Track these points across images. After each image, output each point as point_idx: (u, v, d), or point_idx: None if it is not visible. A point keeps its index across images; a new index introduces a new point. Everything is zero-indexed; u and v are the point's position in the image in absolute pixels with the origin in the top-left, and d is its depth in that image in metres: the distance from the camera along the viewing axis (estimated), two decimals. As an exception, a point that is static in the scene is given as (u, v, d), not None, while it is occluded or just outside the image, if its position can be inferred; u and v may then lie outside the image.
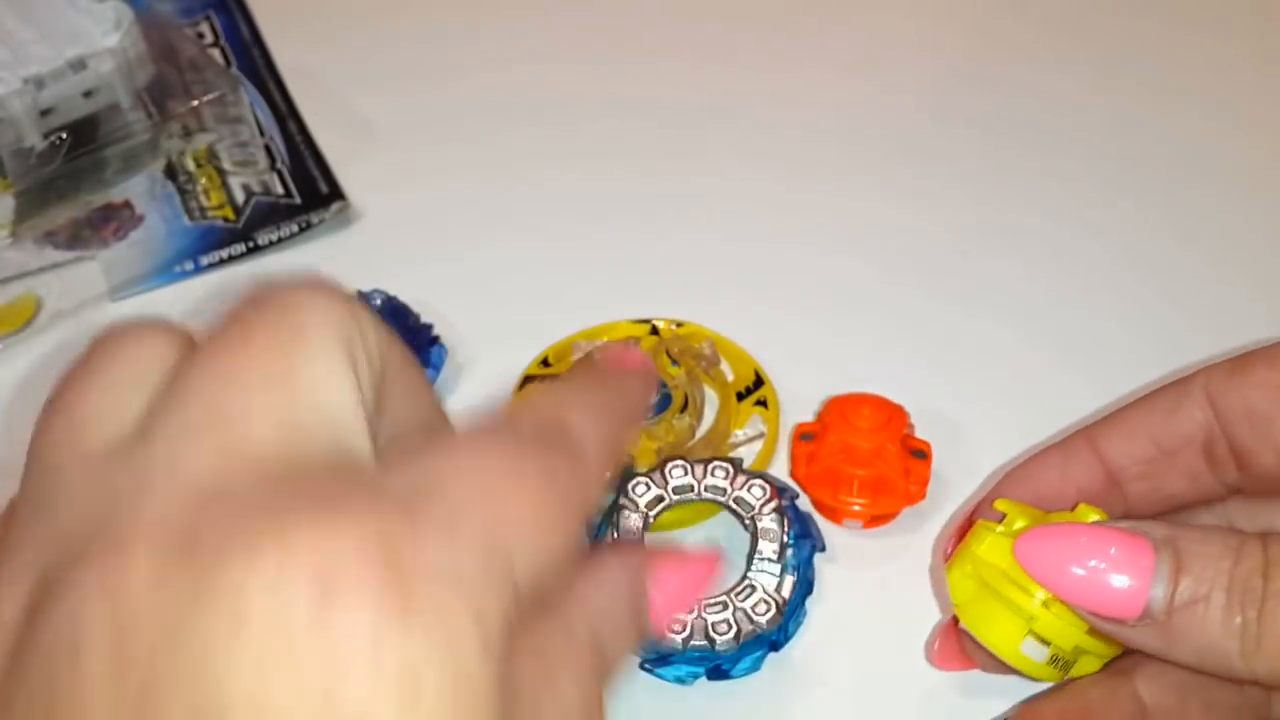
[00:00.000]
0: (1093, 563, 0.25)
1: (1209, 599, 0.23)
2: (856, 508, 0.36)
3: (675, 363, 0.41)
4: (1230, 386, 0.28)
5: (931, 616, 0.35)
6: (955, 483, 0.38)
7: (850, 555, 0.37)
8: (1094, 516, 0.27)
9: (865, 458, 0.36)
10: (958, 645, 0.32)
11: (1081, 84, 0.54)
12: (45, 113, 0.44)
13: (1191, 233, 0.47)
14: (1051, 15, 0.58)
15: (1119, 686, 0.28)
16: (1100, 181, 0.49)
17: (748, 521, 0.35)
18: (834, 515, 0.37)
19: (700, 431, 0.40)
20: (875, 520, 0.37)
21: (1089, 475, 0.30)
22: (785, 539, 0.34)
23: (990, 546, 0.28)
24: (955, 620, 0.31)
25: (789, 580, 0.34)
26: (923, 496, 0.37)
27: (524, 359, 0.42)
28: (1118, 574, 0.24)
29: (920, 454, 0.37)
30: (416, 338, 0.41)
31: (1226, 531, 0.24)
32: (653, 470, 0.36)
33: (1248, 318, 0.43)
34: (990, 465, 0.38)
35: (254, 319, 0.19)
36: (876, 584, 0.36)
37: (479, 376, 0.42)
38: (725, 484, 0.35)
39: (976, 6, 0.58)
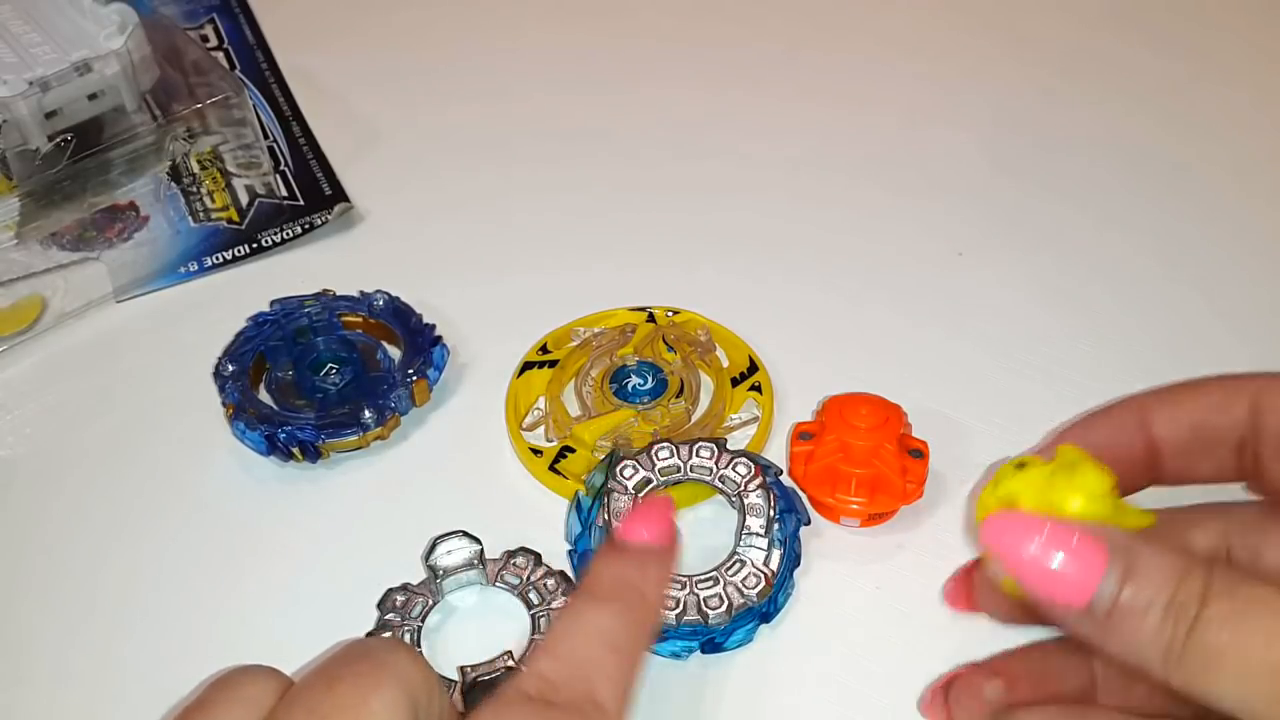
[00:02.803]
0: (1054, 552, 0.27)
1: (1147, 611, 0.26)
2: (854, 506, 0.37)
3: (671, 349, 0.42)
4: (1276, 403, 0.30)
5: (925, 607, 0.35)
6: (952, 482, 0.38)
7: (848, 552, 0.37)
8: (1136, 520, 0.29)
9: (863, 457, 0.37)
10: (968, 587, 0.33)
11: (1075, 99, 0.54)
12: (50, 115, 0.45)
13: (1180, 237, 0.47)
14: (1045, 33, 0.58)
15: (1079, 659, 0.31)
16: (1098, 185, 0.49)
17: (734, 498, 0.36)
18: (832, 513, 0.38)
19: (696, 415, 0.40)
20: (873, 519, 0.37)
21: (1133, 445, 0.32)
22: (772, 514, 0.35)
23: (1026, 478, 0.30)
24: (972, 566, 0.32)
25: (776, 554, 0.35)
26: (920, 495, 0.37)
27: (524, 350, 0.42)
28: (1072, 564, 0.27)
29: (917, 453, 0.37)
30: (419, 338, 0.41)
31: (1179, 554, 0.27)
32: (640, 452, 0.36)
33: (1212, 331, 0.44)
34: (987, 464, 0.39)
35: (342, 669, 0.25)
36: (871, 579, 0.36)
37: (481, 376, 0.42)
38: (710, 463, 0.36)
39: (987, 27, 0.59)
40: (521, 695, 0.25)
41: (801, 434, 0.38)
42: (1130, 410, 0.33)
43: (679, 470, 0.36)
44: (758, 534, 0.35)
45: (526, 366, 0.42)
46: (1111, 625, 0.26)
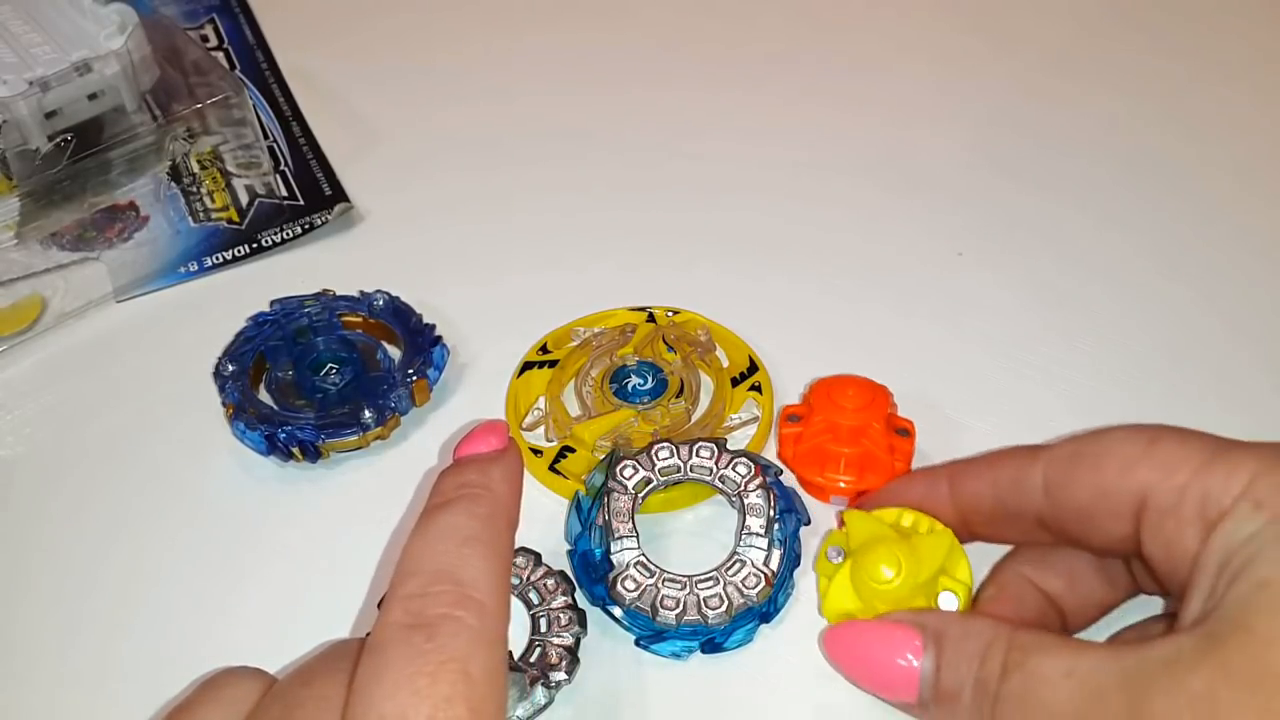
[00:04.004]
0: (879, 652, 0.29)
1: (960, 695, 0.27)
2: (842, 485, 0.37)
3: (671, 349, 0.42)
4: (1064, 482, 0.30)
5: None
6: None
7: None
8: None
9: (850, 436, 0.37)
10: None
11: (1075, 100, 0.54)
12: (50, 115, 0.45)
13: (1180, 237, 0.47)
14: (1044, 33, 0.58)
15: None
16: (1098, 185, 0.49)
17: (734, 498, 0.36)
18: (820, 493, 0.38)
19: (696, 415, 0.40)
20: (861, 497, 0.37)
21: (943, 509, 0.34)
22: (772, 514, 0.35)
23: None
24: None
25: (776, 554, 0.35)
26: (907, 472, 0.37)
27: (524, 350, 0.42)
28: (895, 660, 0.29)
29: (904, 432, 0.38)
30: (419, 338, 0.41)
31: (984, 626, 0.28)
32: (639, 452, 0.36)
33: (1211, 331, 0.44)
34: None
35: (320, 665, 0.25)
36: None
37: (481, 376, 0.42)
38: (710, 463, 0.36)
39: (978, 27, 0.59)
40: (393, 629, 0.24)
41: (790, 416, 0.38)
42: (943, 477, 0.34)
43: (679, 470, 0.36)
44: (758, 534, 0.35)
45: (526, 366, 0.42)
46: (939, 710, 0.28)
